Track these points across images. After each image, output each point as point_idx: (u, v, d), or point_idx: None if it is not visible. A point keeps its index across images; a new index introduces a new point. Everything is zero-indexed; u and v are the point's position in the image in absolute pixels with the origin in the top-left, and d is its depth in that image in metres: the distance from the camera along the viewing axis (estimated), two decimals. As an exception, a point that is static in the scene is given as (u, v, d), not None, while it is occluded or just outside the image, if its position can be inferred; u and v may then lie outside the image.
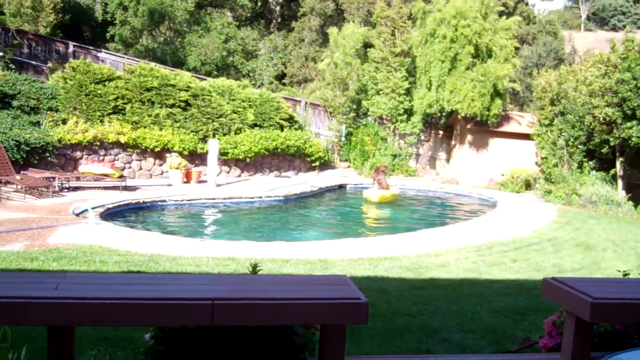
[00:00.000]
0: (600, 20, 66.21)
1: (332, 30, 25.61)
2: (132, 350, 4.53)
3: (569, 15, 66.27)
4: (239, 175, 20.40)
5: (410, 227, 13.74)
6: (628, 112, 16.28)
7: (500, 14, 24.40)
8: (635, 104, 15.89)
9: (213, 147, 17.59)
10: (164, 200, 14.56)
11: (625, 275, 5.60)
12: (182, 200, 14.90)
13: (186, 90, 19.29)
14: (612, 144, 17.55)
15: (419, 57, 23.63)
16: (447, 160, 25.70)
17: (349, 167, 23.66)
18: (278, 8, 38.88)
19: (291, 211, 15.91)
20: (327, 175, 22.29)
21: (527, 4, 45.70)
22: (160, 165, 18.73)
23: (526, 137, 23.39)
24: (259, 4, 38.18)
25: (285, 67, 34.86)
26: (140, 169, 18.46)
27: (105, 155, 17.57)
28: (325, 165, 23.08)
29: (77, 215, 11.53)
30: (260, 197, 16.19)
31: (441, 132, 25.71)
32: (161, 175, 18.74)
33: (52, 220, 10.88)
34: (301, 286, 4.09)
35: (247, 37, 33.76)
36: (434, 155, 25.84)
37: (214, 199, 15.44)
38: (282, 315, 3.66)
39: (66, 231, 10.05)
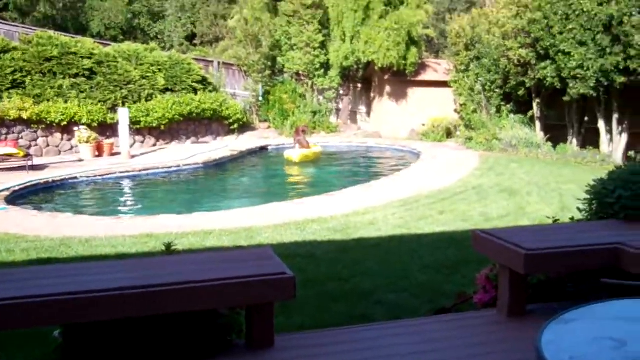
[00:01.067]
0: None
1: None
2: (40, 350, 4.08)
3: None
4: (154, 145, 19.58)
5: (335, 186, 13.50)
6: (541, 52, 16.39)
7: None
8: (548, 44, 16.00)
9: (123, 116, 16.73)
10: (75, 178, 13.71)
11: (555, 221, 5.49)
12: (95, 176, 14.10)
13: (89, 58, 18.18)
14: (527, 85, 17.72)
15: (331, 8, 23.11)
16: (368, 113, 25.53)
17: (269, 127, 23.13)
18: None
19: (211, 178, 15.36)
20: (247, 138, 21.74)
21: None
22: (69, 140, 17.72)
23: (444, 84, 23.38)
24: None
25: (195, 27, 33.67)
26: (48, 145, 17.39)
27: (7, 134, 16.42)
28: (245, 127, 22.47)
29: (-21, 201, 10.66)
30: (178, 166, 15.55)
31: (359, 85, 25.45)
32: (71, 150, 17.75)
33: (-51, 209, 10.02)
34: (220, 264, 3.72)
35: (152, -4, 32.30)
36: (354, 110, 25.61)
37: (128, 171, 14.69)
38: (200, 300, 3.29)
39: (-35, 220, 9.26)
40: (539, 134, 18.37)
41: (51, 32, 18.95)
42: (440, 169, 14.44)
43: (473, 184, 12.20)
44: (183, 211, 10.25)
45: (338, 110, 25.13)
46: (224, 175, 15.88)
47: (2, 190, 11.49)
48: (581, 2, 15.28)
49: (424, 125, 22.63)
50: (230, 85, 23.69)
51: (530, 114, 18.71)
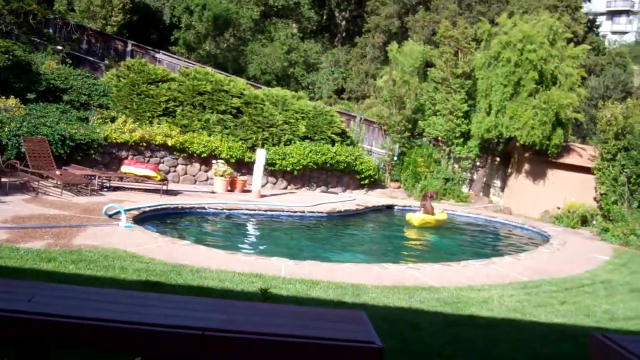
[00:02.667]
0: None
1: (392, 47, 25.09)
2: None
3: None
4: (285, 188, 20.00)
5: (454, 256, 13.03)
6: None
7: (569, 41, 23.41)
8: None
9: (260, 156, 17.24)
10: (203, 208, 14.23)
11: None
12: (222, 209, 14.55)
13: (239, 97, 19.03)
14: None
15: (481, 80, 22.82)
16: (502, 188, 24.75)
17: (399, 187, 23.00)
18: (344, 23, 38.63)
19: (332, 229, 15.38)
20: (376, 195, 21.71)
21: (597, 35, 44.16)
22: (206, 171, 18.51)
23: (587, 170, 22.27)
24: (325, 18, 38.02)
25: (345, 82, 34.51)
26: (186, 173, 18.26)
27: (150, 157, 17.42)
28: (375, 184, 22.48)
29: (110, 216, 11.25)
30: (303, 212, 15.71)
31: (498, 159, 24.80)
32: (206, 181, 18.51)
33: (83, 219, 10.64)
34: (307, 321, 3.57)
35: (310, 49, 33.58)
36: (489, 182, 24.93)
37: (255, 209, 15.03)
38: (279, 356, 3.16)
39: (94, 232, 9.77)
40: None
41: (208, 69, 20.07)
42: (569, 256, 13.51)
43: (602, 277, 11.30)
44: (297, 257, 10.24)
45: (472, 180, 24.57)
46: (345, 227, 15.84)
47: (133, 209, 12.10)
48: None
49: (559, 208, 21.55)
50: (368, 142, 23.89)
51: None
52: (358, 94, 33.95)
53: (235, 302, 4.13)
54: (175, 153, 17.80)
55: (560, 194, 22.16)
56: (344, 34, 38.63)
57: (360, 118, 24.23)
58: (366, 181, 21.79)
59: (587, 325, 7.62)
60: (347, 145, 21.57)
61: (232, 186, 17.71)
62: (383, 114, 23.36)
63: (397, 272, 9.85)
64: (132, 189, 15.06)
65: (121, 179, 15.13)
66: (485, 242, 16.57)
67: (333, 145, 20.77)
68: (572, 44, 23.27)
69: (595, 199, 21.65)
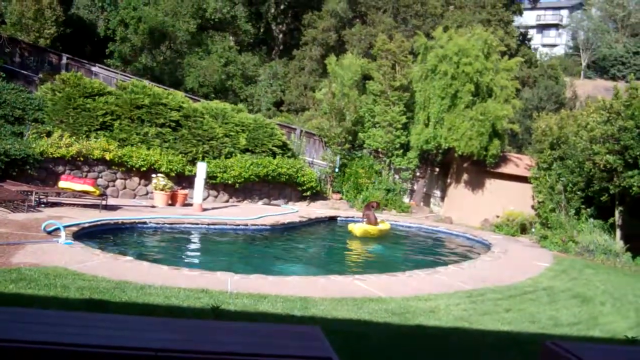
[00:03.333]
0: (600, 68, 66.41)
1: (330, 60, 25.27)
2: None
3: (570, 62, 66.41)
4: (227, 201, 19.82)
5: (399, 266, 13.15)
6: (630, 160, 15.79)
7: (502, 54, 24.10)
8: (638, 153, 15.42)
9: (201, 169, 17.02)
10: (145, 223, 13.93)
11: (633, 340, 5.05)
12: (164, 223, 14.28)
13: (178, 110, 18.79)
14: (611, 191, 17.01)
15: (418, 93, 23.18)
16: (442, 198, 25.18)
17: (340, 199, 23.10)
18: (281, 36, 38.70)
19: (276, 241, 15.30)
20: (319, 206, 21.74)
21: (529, 48, 45.63)
22: (146, 185, 18.17)
23: (523, 179, 22.90)
24: (262, 31, 37.97)
25: (284, 94, 34.53)
26: (125, 188, 17.87)
27: (88, 171, 16.99)
28: (317, 195, 22.51)
29: (49, 233, 10.88)
30: (246, 225, 15.57)
31: (437, 169, 25.23)
32: (146, 195, 18.17)
33: (20, 236, 10.25)
34: (264, 339, 3.52)
35: (248, 62, 33.47)
36: (429, 192, 25.32)
37: (197, 223, 14.82)
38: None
39: (33, 249, 9.42)
40: (618, 242, 17.47)
41: (146, 82, 19.74)
42: (511, 264, 13.83)
43: (544, 284, 11.59)
44: (243, 271, 10.14)
45: (412, 191, 24.92)
46: (289, 240, 15.78)
47: (72, 225, 11.74)
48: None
49: (498, 217, 22.06)
50: (309, 154, 23.95)
51: (611, 220, 17.84)
52: (297, 106, 34.05)
53: (186, 321, 4.04)
54: (113, 167, 17.41)
55: (498, 203, 22.68)
56: (281, 47, 38.70)
57: (301, 130, 24.28)
58: (308, 193, 21.80)
59: (533, 332, 7.79)
60: (289, 157, 21.56)
61: (172, 200, 17.42)
62: (323, 126, 23.47)
63: (344, 284, 9.86)
64: (70, 204, 14.61)
65: (59, 194, 14.66)
66: (428, 251, 16.77)
67: (274, 157, 20.71)
68: (506, 57, 23.97)
69: (533, 207, 22.25)
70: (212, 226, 14.95)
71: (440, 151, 23.71)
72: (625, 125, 15.79)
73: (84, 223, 12.25)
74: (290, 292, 8.63)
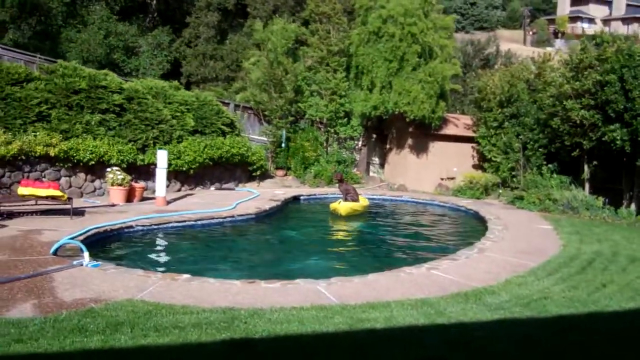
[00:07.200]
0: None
1: (256, 26, 23.66)
2: None
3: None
4: (179, 190, 17.98)
5: (429, 244, 12.29)
6: (612, 114, 15.72)
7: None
8: (622, 107, 15.36)
9: (162, 158, 15.01)
10: (131, 227, 11.93)
11: None
12: (150, 225, 12.39)
13: (119, 93, 16.57)
14: (585, 147, 16.97)
15: (361, 57, 22.08)
16: (382, 165, 24.54)
17: (285, 175, 21.78)
18: (154, 2, 35.87)
19: (278, 231, 13.88)
20: (269, 185, 20.40)
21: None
22: (93, 181, 15.96)
23: (465, 139, 22.79)
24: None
25: (171, 65, 32.04)
26: (70, 186, 15.53)
27: (30, 171, 14.56)
28: (265, 175, 21.04)
29: (54, 254, 8.90)
30: (232, 217, 13.96)
31: (374, 136, 24.49)
32: (94, 193, 15.97)
33: (26, 263, 8.23)
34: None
35: (127, 32, 30.59)
36: (368, 160, 24.58)
37: (183, 221, 13.00)
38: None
39: (67, 280, 7.49)
40: (587, 196, 17.58)
41: (74, 63, 17.25)
42: (522, 232, 13.10)
43: (582, 250, 10.99)
44: (313, 274, 8.70)
45: (355, 161, 24.06)
46: (281, 228, 14.34)
47: (66, 242, 9.69)
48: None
49: (449, 179, 21.82)
50: (246, 130, 22.31)
51: (583, 175, 17.86)
52: (198, 78, 31.90)
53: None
54: (57, 164, 15.04)
55: (442, 165, 22.45)
56: (155, 14, 35.93)
57: (236, 105, 22.56)
58: (257, 172, 20.30)
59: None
60: (236, 135, 19.90)
61: (130, 195, 15.39)
62: (263, 99, 21.92)
63: (421, 276, 8.73)
64: (31, 212, 12.35)
65: (24, 202, 12.32)
66: (419, 224, 15.80)
67: (225, 137, 19.00)
68: (441, 14, 23.48)
69: (475, 166, 22.20)
70: (199, 222, 13.23)
71: (386, 117, 22.83)
72: (607, 79, 15.65)
73: (78, 235, 10.25)
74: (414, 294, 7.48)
